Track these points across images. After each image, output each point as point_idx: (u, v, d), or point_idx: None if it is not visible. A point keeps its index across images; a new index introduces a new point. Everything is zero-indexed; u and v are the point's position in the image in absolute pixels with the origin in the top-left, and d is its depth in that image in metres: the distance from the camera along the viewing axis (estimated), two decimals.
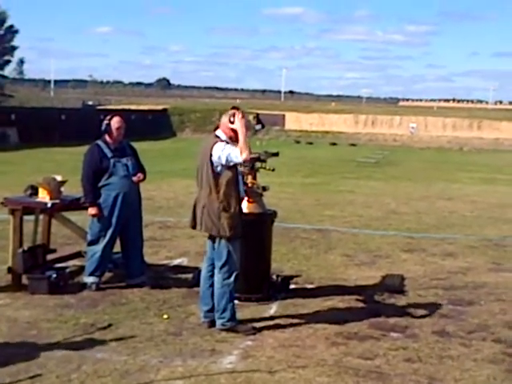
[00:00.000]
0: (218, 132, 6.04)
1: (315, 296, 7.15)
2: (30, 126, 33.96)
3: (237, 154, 5.74)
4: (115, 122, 7.26)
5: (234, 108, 6.15)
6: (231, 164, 5.85)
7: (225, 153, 5.79)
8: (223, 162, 5.82)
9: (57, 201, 7.38)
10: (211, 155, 5.84)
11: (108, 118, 7.29)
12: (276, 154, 7.43)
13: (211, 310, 6.11)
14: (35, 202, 7.40)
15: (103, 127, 7.23)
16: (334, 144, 43.81)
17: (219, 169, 5.86)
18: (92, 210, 7.15)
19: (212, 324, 6.08)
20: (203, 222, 5.96)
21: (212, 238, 6.07)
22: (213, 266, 6.09)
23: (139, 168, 7.39)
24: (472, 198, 16.52)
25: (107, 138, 7.27)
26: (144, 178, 7.38)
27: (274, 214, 7.15)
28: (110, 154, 7.19)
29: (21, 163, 22.45)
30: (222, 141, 5.91)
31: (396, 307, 6.86)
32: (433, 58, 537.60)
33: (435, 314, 6.70)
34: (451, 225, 12.35)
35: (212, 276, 6.10)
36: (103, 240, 7.20)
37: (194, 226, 6.13)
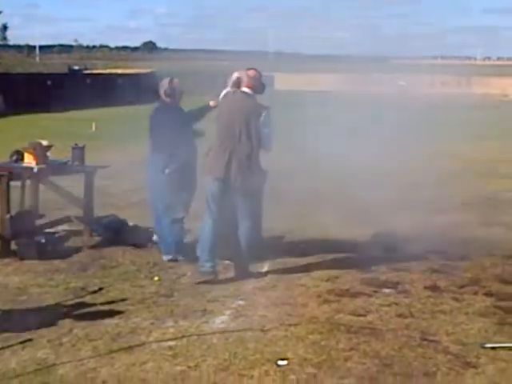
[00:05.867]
0: (246, 89, 6.31)
1: (307, 254, 7.14)
2: (16, 93, 33.59)
3: (270, 144, 6.37)
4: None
5: (251, 69, 6.45)
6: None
7: (268, 126, 6.28)
8: (265, 129, 6.26)
9: (43, 166, 7.29)
10: (260, 115, 6.20)
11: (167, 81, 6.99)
12: None
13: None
14: (21, 167, 7.32)
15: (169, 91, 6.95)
16: (324, 104, 43.53)
17: None
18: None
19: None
20: (243, 173, 6.14)
21: (239, 188, 6.17)
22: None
23: None
24: (462, 155, 16.47)
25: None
26: None
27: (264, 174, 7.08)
28: None
29: (8, 130, 22.22)
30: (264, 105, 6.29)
31: (387, 263, 6.86)
32: (421, 15, 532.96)
33: (427, 269, 6.71)
34: (441, 181, 12.33)
35: None
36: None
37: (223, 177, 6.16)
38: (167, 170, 6.69)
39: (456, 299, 5.82)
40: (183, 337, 4.88)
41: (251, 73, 6.38)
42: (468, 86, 47.41)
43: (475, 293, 5.99)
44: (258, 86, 6.39)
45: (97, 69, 59.92)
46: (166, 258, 6.85)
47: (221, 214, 6.24)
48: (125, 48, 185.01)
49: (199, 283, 6.08)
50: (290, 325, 5.13)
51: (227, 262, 6.53)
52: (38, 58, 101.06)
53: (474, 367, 4.48)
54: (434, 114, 33.45)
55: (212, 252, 6.23)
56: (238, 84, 6.35)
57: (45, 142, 7.50)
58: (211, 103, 6.78)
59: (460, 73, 50.93)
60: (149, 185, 7.03)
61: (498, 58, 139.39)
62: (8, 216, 7.06)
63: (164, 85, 6.91)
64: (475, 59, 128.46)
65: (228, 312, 5.43)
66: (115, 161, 12.86)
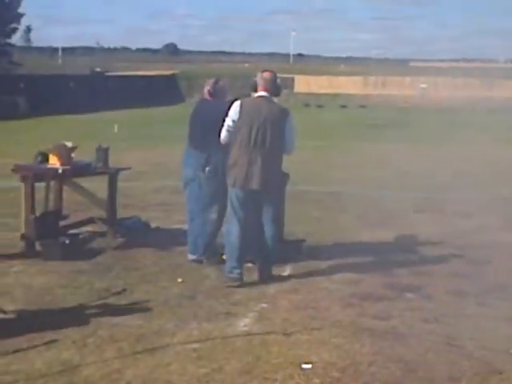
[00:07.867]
0: (263, 93, 6.26)
1: (328, 258, 7.11)
2: (39, 94, 33.90)
3: (293, 147, 6.51)
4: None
5: (266, 71, 6.34)
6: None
7: (291, 129, 6.40)
8: (289, 132, 6.35)
9: (67, 167, 7.35)
10: (282, 118, 6.25)
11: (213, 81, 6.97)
12: None
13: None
14: (46, 168, 7.37)
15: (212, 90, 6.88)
16: (344, 106, 43.50)
17: None
18: None
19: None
20: (266, 179, 6.13)
21: (263, 194, 6.20)
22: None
23: None
24: (485, 158, 16.37)
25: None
26: None
27: (285, 177, 7.08)
28: None
29: (31, 131, 22.44)
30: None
31: (410, 267, 6.82)
32: (443, 17, 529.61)
33: (450, 273, 6.66)
34: (465, 184, 12.25)
35: None
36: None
37: (246, 185, 6.15)
38: (207, 169, 6.68)
39: (480, 304, 5.78)
40: (207, 339, 4.89)
41: (267, 75, 6.27)
42: (490, 89, 46.88)
43: (499, 298, 5.94)
44: (275, 88, 6.33)
45: (119, 71, 60.16)
46: (190, 257, 6.85)
47: (247, 219, 6.24)
48: (146, 50, 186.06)
49: (227, 287, 6.09)
50: (313, 328, 5.13)
51: (249, 264, 6.53)
52: (60, 60, 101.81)
53: (500, 373, 4.44)
54: (455, 116, 33.18)
55: (240, 259, 6.24)
56: (254, 88, 6.32)
57: (69, 144, 7.55)
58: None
59: (482, 75, 50.45)
60: (185, 183, 6.98)
61: None
62: (33, 217, 7.12)
63: (209, 84, 6.90)
64: (498, 62, 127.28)
65: (251, 315, 5.43)
66: (137, 162, 12.95)
